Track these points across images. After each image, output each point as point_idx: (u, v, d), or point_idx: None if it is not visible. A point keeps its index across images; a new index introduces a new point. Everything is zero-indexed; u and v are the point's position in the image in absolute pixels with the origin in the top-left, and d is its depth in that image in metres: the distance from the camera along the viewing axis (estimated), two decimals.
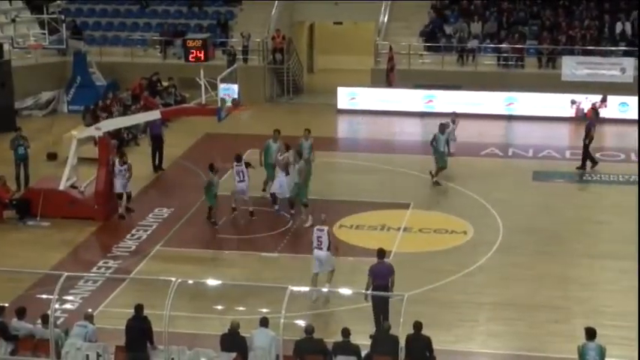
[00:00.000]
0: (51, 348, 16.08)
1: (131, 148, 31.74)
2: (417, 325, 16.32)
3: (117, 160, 25.27)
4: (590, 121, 28.85)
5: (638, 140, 29.51)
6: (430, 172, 27.51)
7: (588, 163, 28.78)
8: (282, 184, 25.09)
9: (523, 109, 35.25)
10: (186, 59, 25.37)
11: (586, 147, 28.57)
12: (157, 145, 29.22)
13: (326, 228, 20.41)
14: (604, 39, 37.16)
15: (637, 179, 27.87)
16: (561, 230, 24.28)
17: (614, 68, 35.33)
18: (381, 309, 18.09)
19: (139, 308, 16.69)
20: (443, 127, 27.59)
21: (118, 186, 25.23)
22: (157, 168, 29.24)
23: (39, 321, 17.00)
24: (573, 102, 34.72)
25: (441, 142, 27.33)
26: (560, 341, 18.57)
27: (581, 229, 24.43)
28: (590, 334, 16.03)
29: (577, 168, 28.69)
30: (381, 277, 18.52)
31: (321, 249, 20.26)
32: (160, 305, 16.24)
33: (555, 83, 35.43)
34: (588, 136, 28.41)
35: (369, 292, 18.18)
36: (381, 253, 19.06)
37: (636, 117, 33.34)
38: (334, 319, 18.18)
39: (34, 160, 28.83)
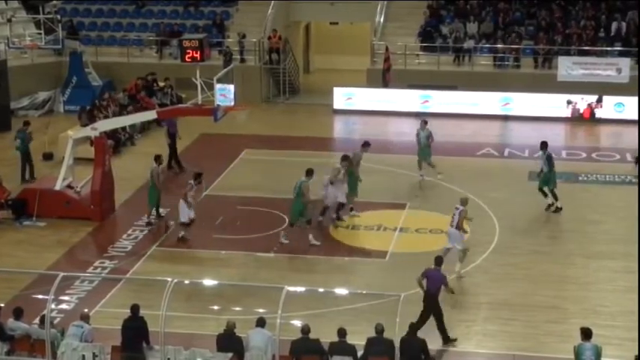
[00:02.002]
0: (47, 348, 16.06)
1: (127, 148, 31.80)
2: (412, 328, 16.36)
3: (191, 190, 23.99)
4: None
5: (638, 140, 29.52)
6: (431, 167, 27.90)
7: None
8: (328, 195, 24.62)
9: (519, 109, 35.26)
10: (183, 59, 25.41)
11: None
12: (174, 142, 29.32)
13: (461, 207, 21.32)
14: (600, 39, 37.19)
15: (632, 179, 27.94)
16: (557, 230, 24.31)
17: (610, 68, 35.34)
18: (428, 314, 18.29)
19: (134, 308, 16.69)
20: (423, 124, 28.03)
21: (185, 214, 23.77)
22: (179, 166, 29.14)
23: (35, 321, 17.00)
24: (569, 102, 34.76)
25: (422, 138, 27.75)
26: (556, 341, 18.61)
27: (577, 229, 24.45)
28: (586, 334, 16.05)
29: None
30: (433, 283, 18.48)
31: (452, 226, 21.32)
32: (156, 305, 16.23)
33: (551, 83, 35.46)
34: None
35: (364, 292, 18.23)
36: (439, 261, 19.01)
37: (632, 117, 33.44)
38: (330, 320, 18.18)
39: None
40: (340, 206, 24.74)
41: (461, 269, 21.30)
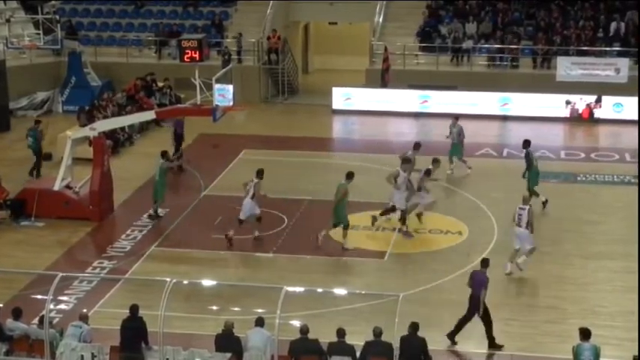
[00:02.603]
0: (45, 348, 16.06)
1: (126, 148, 31.80)
2: (413, 327, 16.37)
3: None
4: None
5: (637, 140, 29.54)
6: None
7: None
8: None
9: (518, 109, 35.28)
10: (181, 59, 25.40)
11: None
12: (180, 143, 29.51)
13: (527, 207, 21.32)
14: (598, 39, 37.21)
15: (631, 179, 27.95)
16: (555, 230, 24.31)
17: (609, 68, 35.37)
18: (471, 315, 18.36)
19: (134, 308, 16.69)
20: (455, 121, 28.84)
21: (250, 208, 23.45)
22: (180, 167, 29.00)
23: (34, 321, 17.00)
24: (568, 102, 34.77)
25: (454, 135, 28.61)
26: (554, 341, 18.61)
27: (576, 229, 24.46)
28: (585, 334, 16.06)
29: None
30: (477, 287, 18.45)
31: (520, 226, 21.26)
32: (155, 305, 16.23)
33: (550, 84, 35.48)
34: None
35: (363, 292, 18.21)
36: (485, 263, 18.97)
37: (630, 117, 33.46)
38: (329, 320, 18.18)
39: (28, 160, 28.84)
40: (401, 213, 23.87)
41: (523, 264, 21.51)
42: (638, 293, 19.68)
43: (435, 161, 24.73)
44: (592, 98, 34.53)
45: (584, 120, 34.65)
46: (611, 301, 20.41)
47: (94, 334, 16.73)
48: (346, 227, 23.17)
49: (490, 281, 21.19)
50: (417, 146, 25.95)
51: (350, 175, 23.30)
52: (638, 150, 29.14)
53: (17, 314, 16.82)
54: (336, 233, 23.91)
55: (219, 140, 31.72)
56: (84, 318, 16.90)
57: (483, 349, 18.53)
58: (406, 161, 24.38)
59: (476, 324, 19.36)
